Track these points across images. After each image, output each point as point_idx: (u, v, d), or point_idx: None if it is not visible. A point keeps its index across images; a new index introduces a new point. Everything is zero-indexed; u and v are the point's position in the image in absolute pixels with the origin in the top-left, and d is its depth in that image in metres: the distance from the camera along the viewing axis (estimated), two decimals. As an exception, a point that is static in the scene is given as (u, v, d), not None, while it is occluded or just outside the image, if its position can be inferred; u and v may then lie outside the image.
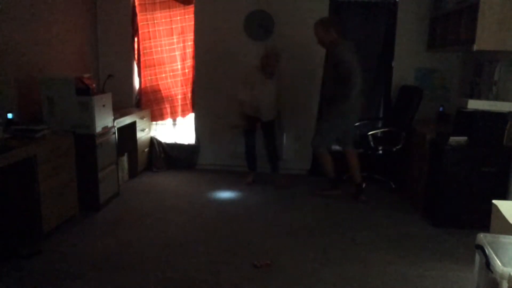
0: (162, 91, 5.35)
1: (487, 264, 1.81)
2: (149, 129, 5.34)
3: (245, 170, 4.93)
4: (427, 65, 4.98)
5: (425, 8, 4.86)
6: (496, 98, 3.84)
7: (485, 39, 3.55)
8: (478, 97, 4.17)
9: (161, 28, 5.21)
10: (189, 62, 5.28)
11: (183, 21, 5.21)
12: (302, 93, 5.11)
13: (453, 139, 3.61)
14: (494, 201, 2.43)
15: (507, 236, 1.99)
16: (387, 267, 3.03)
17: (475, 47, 3.59)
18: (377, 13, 5.01)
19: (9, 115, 3.46)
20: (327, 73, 4.53)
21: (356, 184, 4.42)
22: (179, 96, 5.38)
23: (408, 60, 4.99)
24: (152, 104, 5.37)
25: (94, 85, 3.87)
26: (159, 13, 5.17)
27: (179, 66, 5.31)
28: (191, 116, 5.46)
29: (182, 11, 5.18)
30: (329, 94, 4.34)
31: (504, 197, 3.48)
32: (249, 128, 4.75)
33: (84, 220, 3.72)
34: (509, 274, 1.67)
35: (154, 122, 5.45)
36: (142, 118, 5.07)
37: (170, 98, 5.38)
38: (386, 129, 4.86)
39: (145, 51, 5.26)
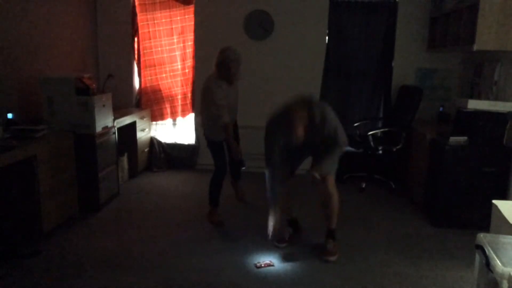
0: (162, 91, 5.35)
1: (487, 264, 1.81)
2: (149, 129, 5.34)
3: (245, 171, 4.41)
4: (427, 65, 4.97)
5: (425, 8, 4.86)
6: (496, 98, 3.84)
7: (485, 39, 3.55)
8: (478, 97, 4.17)
9: (161, 28, 5.21)
10: (189, 62, 5.28)
11: (183, 21, 5.21)
12: (303, 90, 5.09)
13: (453, 139, 3.61)
14: (494, 201, 2.43)
15: (507, 236, 1.99)
16: (387, 267, 3.03)
17: (475, 47, 3.59)
18: (377, 13, 5.01)
19: (9, 115, 3.46)
20: None
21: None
22: (179, 96, 5.38)
23: (408, 60, 4.99)
24: (152, 104, 5.37)
25: (94, 85, 3.87)
26: (159, 13, 5.17)
27: (179, 66, 5.32)
28: (191, 116, 5.46)
29: (182, 11, 5.19)
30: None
31: (504, 197, 3.48)
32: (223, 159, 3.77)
33: (84, 220, 3.72)
34: (509, 274, 1.68)
35: (154, 122, 5.45)
36: (142, 118, 5.07)
37: (170, 98, 5.39)
38: (386, 129, 4.86)
39: (145, 51, 5.26)
